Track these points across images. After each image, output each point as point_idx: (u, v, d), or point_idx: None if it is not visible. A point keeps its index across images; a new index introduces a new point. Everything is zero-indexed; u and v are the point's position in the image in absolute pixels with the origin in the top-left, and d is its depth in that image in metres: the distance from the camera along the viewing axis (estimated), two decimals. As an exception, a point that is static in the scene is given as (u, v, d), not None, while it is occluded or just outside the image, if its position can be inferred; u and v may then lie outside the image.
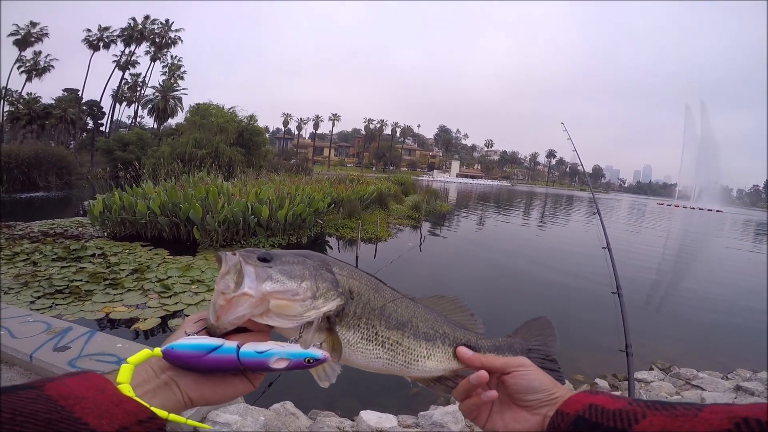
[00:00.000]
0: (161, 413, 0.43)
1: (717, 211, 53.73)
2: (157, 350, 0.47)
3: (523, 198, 47.49)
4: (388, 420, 3.12)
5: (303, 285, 0.52)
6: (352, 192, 15.09)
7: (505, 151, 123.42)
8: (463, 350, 0.64)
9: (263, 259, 0.52)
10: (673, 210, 50.54)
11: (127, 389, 0.43)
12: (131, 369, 0.45)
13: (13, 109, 37.87)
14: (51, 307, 5.22)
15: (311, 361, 0.50)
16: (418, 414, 3.40)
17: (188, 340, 0.48)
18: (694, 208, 55.64)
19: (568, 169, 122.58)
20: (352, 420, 3.25)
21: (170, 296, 5.87)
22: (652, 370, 4.82)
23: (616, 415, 0.44)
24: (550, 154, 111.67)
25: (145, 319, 5.10)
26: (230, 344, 0.48)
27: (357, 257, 8.92)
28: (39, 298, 5.44)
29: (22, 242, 8.25)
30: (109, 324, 5.00)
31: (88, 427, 0.36)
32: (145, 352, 0.47)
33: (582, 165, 3.81)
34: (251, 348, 0.49)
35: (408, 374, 0.65)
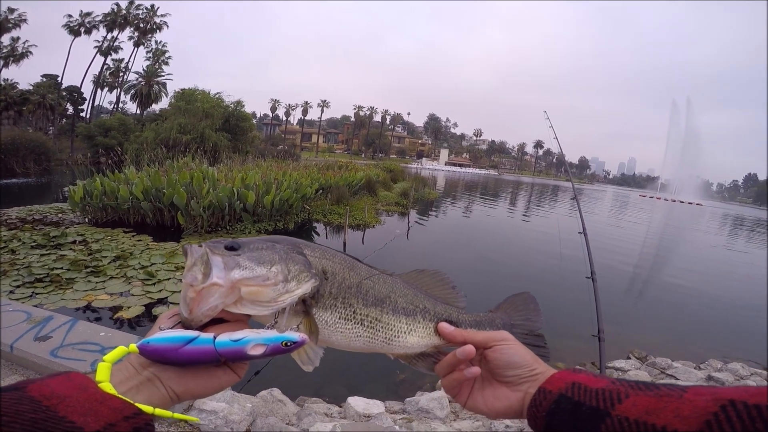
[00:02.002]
0: (147, 408, 0.43)
1: (697, 204, 55.29)
2: (133, 346, 0.46)
3: (509, 187, 48.04)
4: (376, 406, 3.13)
5: (273, 269, 0.51)
6: (340, 178, 15.00)
7: (493, 141, 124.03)
8: (444, 326, 0.63)
9: (231, 248, 0.51)
10: (655, 202, 51.73)
11: (107, 387, 0.42)
12: (109, 367, 0.44)
13: None
14: (31, 296, 5.08)
15: (289, 344, 0.49)
16: (405, 400, 3.44)
17: (163, 334, 0.47)
18: (675, 201, 57.05)
19: (555, 160, 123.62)
20: (340, 406, 3.26)
21: (154, 283, 5.76)
22: (630, 359, 4.91)
23: (599, 394, 0.43)
24: (538, 144, 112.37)
25: (128, 308, 5.01)
26: (206, 335, 0.48)
27: (345, 243, 8.89)
28: (18, 287, 5.28)
29: (-1, 229, 8.01)
30: (91, 313, 4.90)
31: (74, 425, 0.36)
32: (120, 349, 0.46)
33: (562, 151, 3.84)
34: (226, 337, 0.48)
35: (390, 351, 0.64)
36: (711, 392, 0.37)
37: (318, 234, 10.38)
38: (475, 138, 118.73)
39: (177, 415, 0.48)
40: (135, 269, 6.23)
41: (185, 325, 0.50)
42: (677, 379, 4.24)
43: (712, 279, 10.10)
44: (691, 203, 55.63)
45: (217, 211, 8.76)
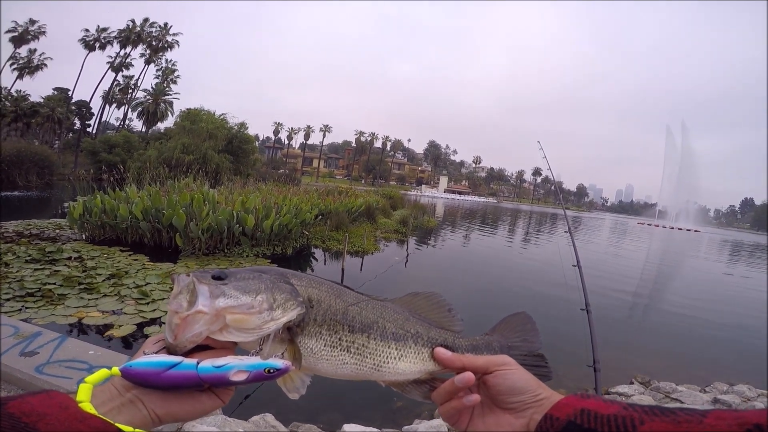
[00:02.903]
0: (127, 429, 0.42)
1: (695, 230, 55.42)
2: (116, 369, 0.47)
3: (507, 215, 48.19)
4: None
5: (258, 298, 0.52)
6: (340, 204, 15.04)
7: (492, 168, 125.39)
8: (440, 351, 0.62)
9: (217, 278, 0.52)
10: (653, 229, 51.81)
11: (88, 407, 0.42)
12: (90, 388, 0.45)
13: None
14: (20, 310, 5.02)
15: (272, 371, 0.49)
16: (403, 428, 3.37)
17: (147, 358, 0.48)
18: (673, 228, 57.19)
19: (552, 188, 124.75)
20: None
21: (148, 303, 5.70)
22: (633, 383, 4.84)
23: (611, 421, 0.41)
24: (536, 172, 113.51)
25: (120, 326, 4.94)
26: (189, 361, 0.48)
27: (343, 270, 8.84)
28: (8, 300, 5.22)
29: (-5, 242, 7.98)
30: (81, 330, 4.83)
31: None
32: (103, 372, 0.47)
33: (554, 179, 3.91)
34: (209, 363, 0.49)
35: (380, 378, 0.62)
36: (734, 416, 0.35)
37: (316, 260, 10.35)
38: (474, 165, 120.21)
39: None
40: (129, 288, 6.18)
41: (170, 350, 0.50)
42: (683, 402, 4.16)
43: (713, 304, 10.01)
44: (689, 230, 55.74)
45: (216, 234, 8.75)
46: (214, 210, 9.13)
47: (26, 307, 5.11)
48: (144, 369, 0.47)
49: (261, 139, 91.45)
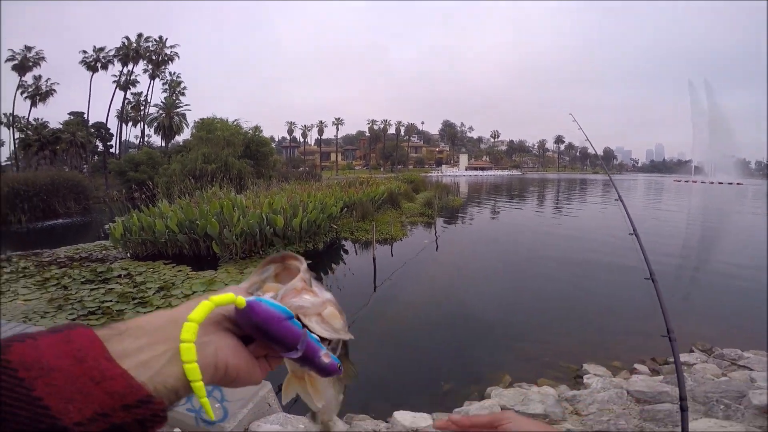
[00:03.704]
0: (192, 374, 0.35)
1: (737, 183, 52.44)
2: (241, 299, 0.40)
3: (535, 185, 46.78)
4: (423, 419, 3.09)
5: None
6: (363, 194, 15.16)
7: (512, 141, 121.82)
8: (454, 417, 0.59)
9: None
10: (692, 186, 49.43)
11: (190, 351, 0.34)
12: (194, 327, 0.36)
13: (23, 136, 38.53)
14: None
15: (340, 368, 0.48)
16: (453, 411, 3.36)
17: (272, 300, 0.43)
18: (713, 183, 54.29)
19: (578, 153, 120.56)
20: (386, 421, 3.24)
21: (197, 311, 6.00)
22: (693, 352, 4.63)
23: None
24: (558, 140, 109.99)
25: (174, 336, 5.24)
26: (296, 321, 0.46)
27: (374, 258, 8.98)
28: (74, 319, 5.63)
29: (51, 268, 8.53)
30: None
31: (48, 412, 0.28)
32: (229, 296, 0.39)
33: (594, 149, 3.78)
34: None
35: None
36: None
37: (347, 252, 10.52)
38: (493, 140, 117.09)
39: (204, 400, 0.38)
40: (178, 298, 6.53)
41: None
42: (752, 369, 3.96)
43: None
44: (730, 183, 52.85)
45: (249, 238, 9.05)
46: (244, 215, 9.43)
47: (91, 325, 5.45)
48: (271, 310, 0.41)
49: (277, 140, 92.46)
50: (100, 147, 48.41)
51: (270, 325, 0.41)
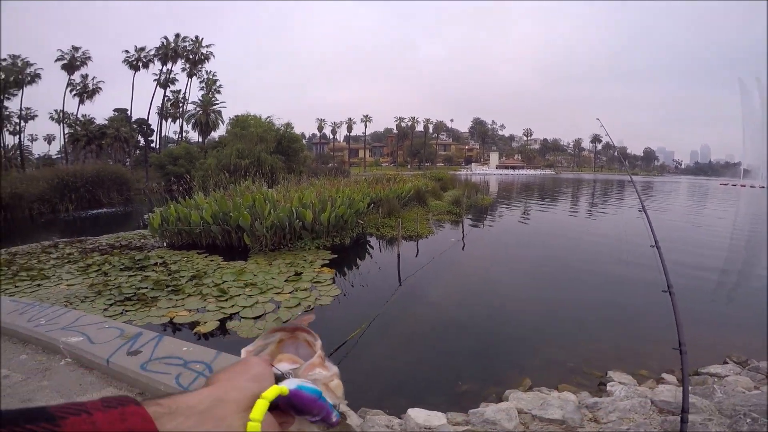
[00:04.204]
0: None
1: None
2: (284, 389, 0.45)
3: (569, 186, 45.09)
4: (437, 418, 3.07)
5: None
6: (390, 191, 15.17)
7: (545, 139, 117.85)
8: None
9: None
10: (739, 190, 46.10)
11: (255, 429, 0.40)
12: (266, 405, 0.42)
13: (72, 131, 41.12)
14: (122, 313, 5.68)
15: (337, 420, 0.52)
16: (469, 411, 3.31)
17: (305, 382, 0.49)
18: (764, 187, 50.62)
19: (616, 153, 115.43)
20: (400, 418, 3.23)
21: (226, 299, 6.20)
22: (727, 363, 4.48)
23: None
24: (595, 139, 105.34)
25: (205, 323, 5.43)
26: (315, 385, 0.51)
27: (399, 255, 8.98)
28: (111, 305, 5.94)
29: (93, 255, 9.05)
30: (173, 328, 5.38)
31: None
32: (276, 389, 0.44)
33: (615, 149, 3.61)
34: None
35: None
36: None
37: (372, 247, 10.56)
38: (525, 138, 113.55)
39: None
40: (209, 287, 6.75)
41: (278, 379, 0.51)
42: None
43: None
44: None
45: (279, 231, 9.25)
46: (275, 208, 9.65)
47: (126, 311, 5.78)
48: (310, 395, 0.47)
49: (307, 137, 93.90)
50: (142, 142, 50.85)
51: (307, 406, 0.46)
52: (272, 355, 0.58)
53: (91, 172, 22.85)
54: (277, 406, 0.46)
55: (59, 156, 50.24)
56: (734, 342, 5.05)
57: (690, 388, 3.45)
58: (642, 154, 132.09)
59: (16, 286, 6.76)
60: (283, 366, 0.53)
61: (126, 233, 11.94)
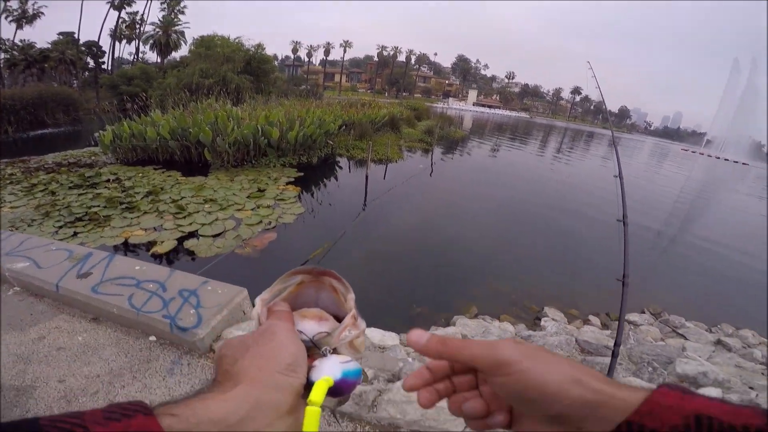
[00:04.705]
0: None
1: (743, 163, 50.07)
2: (330, 380, 0.39)
3: (540, 130, 45.35)
4: (391, 338, 3.13)
5: None
6: (363, 115, 14.60)
7: (527, 84, 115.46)
8: (446, 339, 0.41)
9: None
10: (698, 157, 47.48)
11: (316, 413, 0.35)
12: (318, 412, 0.35)
13: (8, 56, 36.95)
14: (74, 235, 5.27)
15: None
16: None
17: (346, 363, 0.41)
18: (719, 158, 52.07)
19: (592, 107, 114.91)
20: None
21: (185, 216, 5.88)
22: (644, 313, 4.79)
23: None
24: (575, 90, 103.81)
25: (162, 242, 5.15)
26: (355, 364, 0.43)
27: (367, 177, 8.79)
28: (61, 227, 5.48)
29: (38, 174, 8.25)
30: (128, 250, 5.05)
31: None
32: (323, 385, 0.37)
33: (603, 99, 3.50)
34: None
35: None
36: None
37: (341, 168, 10.29)
38: (507, 80, 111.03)
39: None
40: (166, 203, 6.37)
41: (318, 344, 0.44)
42: (687, 339, 4.12)
43: (741, 245, 8.96)
44: (736, 162, 50.67)
45: (243, 147, 8.77)
46: (239, 125, 9.07)
47: (77, 232, 5.35)
48: (353, 380, 0.41)
49: (280, 59, 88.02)
50: (92, 64, 46.27)
51: (347, 390, 0.40)
52: (290, 301, 0.47)
53: (31, 94, 20.85)
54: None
55: (-5, 81, 45.16)
56: (655, 295, 5.37)
57: (609, 332, 3.79)
58: (617, 111, 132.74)
59: (-45, 207, 6.15)
60: (308, 327, 0.45)
61: (74, 151, 10.97)
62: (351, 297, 0.48)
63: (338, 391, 0.39)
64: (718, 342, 4.05)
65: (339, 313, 0.49)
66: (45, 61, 36.92)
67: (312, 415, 0.34)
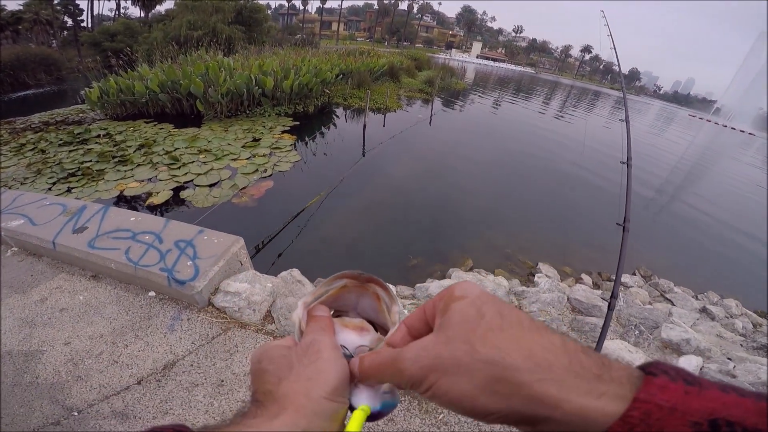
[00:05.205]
0: None
1: (749, 133, 48.18)
2: (367, 409, 0.35)
3: (546, 86, 43.73)
4: None
5: None
6: (361, 64, 14.02)
7: (534, 39, 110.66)
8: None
9: None
10: (704, 124, 45.80)
11: None
12: (363, 419, 0.33)
13: None
14: (68, 191, 5.11)
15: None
16: (415, 286, 3.41)
17: (387, 395, 0.37)
18: (725, 126, 50.35)
19: (601, 66, 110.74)
20: None
21: (179, 167, 5.69)
22: (635, 275, 4.72)
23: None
24: (586, 48, 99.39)
25: (157, 193, 5.00)
26: (394, 397, 0.38)
27: (365, 126, 8.56)
28: (54, 183, 5.31)
29: (25, 134, 7.92)
30: (124, 201, 4.91)
31: None
32: (361, 416, 0.34)
33: (617, 57, 3.18)
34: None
35: None
36: None
37: (338, 117, 9.97)
38: (514, 34, 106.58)
39: None
40: (160, 155, 6.16)
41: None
42: (674, 304, 4.06)
43: (738, 214, 8.70)
44: (742, 131, 48.84)
45: (236, 97, 8.43)
46: (231, 76, 8.68)
47: (71, 188, 5.19)
48: (390, 410, 0.37)
49: (273, 7, 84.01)
50: (70, 23, 44.02)
51: (380, 418, 0.37)
52: (329, 303, 0.43)
53: (8, 56, 19.99)
54: None
55: (-36, 48, 42.92)
56: (646, 256, 5.25)
57: (600, 292, 3.69)
58: (627, 73, 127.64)
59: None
60: (349, 339, 0.41)
61: (61, 110, 10.54)
62: (396, 310, 0.41)
63: (371, 418, 0.36)
64: (703, 310, 4.06)
65: (377, 321, 0.43)
66: (18, 23, 35.19)
67: None
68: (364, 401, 0.35)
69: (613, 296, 1.76)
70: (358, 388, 0.36)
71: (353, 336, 0.41)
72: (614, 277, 4.46)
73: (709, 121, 53.93)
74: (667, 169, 11.83)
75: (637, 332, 2.94)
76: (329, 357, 0.35)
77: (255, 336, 2.22)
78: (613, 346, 2.60)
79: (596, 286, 4.31)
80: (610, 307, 1.72)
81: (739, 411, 0.21)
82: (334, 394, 0.33)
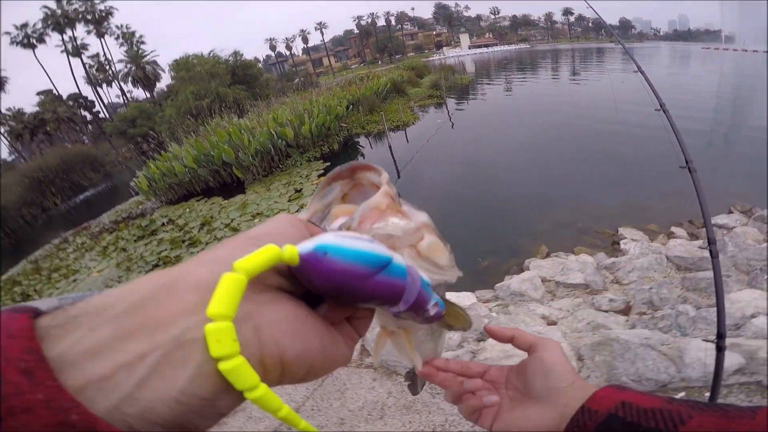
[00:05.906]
0: (257, 390, 0.19)
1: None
2: (292, 251, 0.22)
3: (547, 57, 42.38)
4: (466, 297, 3.01)
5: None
6: (365, 89, 14.56)
7: (515, 15, 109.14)
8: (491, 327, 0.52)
9: None
10: (723, 53, 43.22)
11: (225, 334, 0.18)
12: (241, 285, 0.19)
13: (7, 129, 37.40)
14: None
15: (443, 314, 0.34)
16: (495, 286, 3.24)
17: (350, 241, 0.23)
18: (746, 51, 47.11)
19: (590, 24, 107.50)
20: None
21: (240, 236, 6.26)
22: (732, 213, 4.04)
23: (656, 415, 0.35)
24: (567, 11, 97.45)
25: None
26: (398, 258, 0.26)
27: (390, 147, 8.85)
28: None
29: (103, 236, 8.92)
30: None
31: None
32: (271, 252, 0.21)
33: (596, 12, 2.99)
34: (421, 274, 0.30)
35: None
36: None
37: (363, 146, 10.38)
38: (493, 16, 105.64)
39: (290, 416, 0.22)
40: (221, 230, 6.79)
41: None
42: None
43: None
44: (766, 51, 45.51)
45: (265, 155, 9.05)
46: (253, 135, 9.33)
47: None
48: (350, 264, 0.23)
49: (262, 60, 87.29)
50: (88, 116, 47.18)
51: (349, 287, 0.23)
52: (335, 216, 0.34)
53: (54, 160, 21.74)
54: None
55: (14, 157, 46.54)
56: (734, 192, 4.54)
57: (700, 242, 3.28)
58: (618, 24, 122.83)
59: (56, 287, 6.85)
60: (337, 224, 0.32)
61: (122, 206, 11.72)
62: (384, 177, 0.34)
63: (326, 290, 0.23)
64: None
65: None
66: (43, 124, 37.38)
67: (222, 291, 0.19)
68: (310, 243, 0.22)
69: (711, 242, 1.54)
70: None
71: (341, 219, 0.31)
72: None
73: (726, 49, 50.60)
74: (711, 108, 10.64)
75: (767, 276, 2.55)
76: (281, 217, 0.26)
77: (358, 372, 2.30)
78: (746, 297, 2.25)
79: (693, 236, 3.80)
80: (713, 255, 1.54)
81: (638, 399, 0.37)
82: (255, 240, 0.23)
